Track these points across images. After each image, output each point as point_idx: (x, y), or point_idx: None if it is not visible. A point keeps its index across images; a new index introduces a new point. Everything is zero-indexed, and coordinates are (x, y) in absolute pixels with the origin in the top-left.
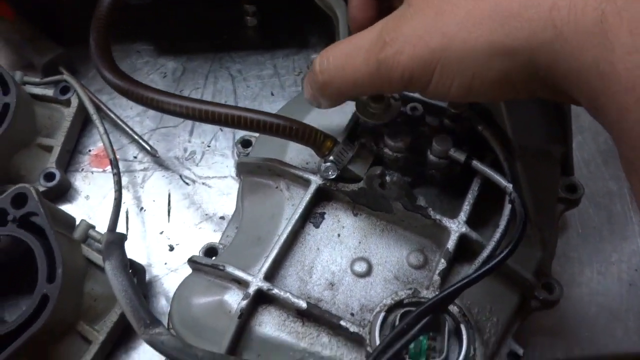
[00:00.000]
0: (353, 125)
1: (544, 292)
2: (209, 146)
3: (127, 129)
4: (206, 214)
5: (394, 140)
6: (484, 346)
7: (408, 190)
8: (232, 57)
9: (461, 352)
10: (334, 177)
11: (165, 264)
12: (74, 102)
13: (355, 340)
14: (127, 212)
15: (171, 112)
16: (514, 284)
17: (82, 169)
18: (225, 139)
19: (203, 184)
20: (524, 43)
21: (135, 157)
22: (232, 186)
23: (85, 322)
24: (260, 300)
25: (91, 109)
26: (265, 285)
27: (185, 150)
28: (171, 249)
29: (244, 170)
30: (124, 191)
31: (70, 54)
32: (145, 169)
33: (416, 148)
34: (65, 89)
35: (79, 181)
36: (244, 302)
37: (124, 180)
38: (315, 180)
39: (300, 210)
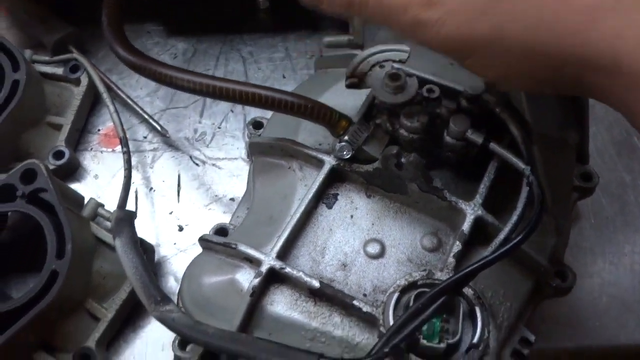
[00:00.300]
0: (368, 106)
1: (557, 279)
2: (219, 127)
3: (138, 109)
4: (216, 195)
5: (410, 121)
6: (497, 330)
7: (424, 171)
8: (243, 39)
9: (475, 335)
10: (348, 157)
11: (175, 244)
12: (84, 81)
13: (367, 320)
14: (136, 192)
15: (184, 88)
16: (527, 269)
17: (91, 148)
18: (236, 121)
19: (213, 165)
20: (580, 61)
21: (145, 137)
22: (242, 168)
23: (94, 300)
24: (272, 279)
25: (101, 88)
26: (277, 264)
27: (195, 131)
28: (180, 229)
29: (256, 150)
30: (133, 171)
31: (80, 33)
32: (155, 149)
33: (432, 129)
34: (75, 68)
35: (88, 160)
36: (256, 281)
37: (134, 160)
38: (329, 161)
39: (313, 191)
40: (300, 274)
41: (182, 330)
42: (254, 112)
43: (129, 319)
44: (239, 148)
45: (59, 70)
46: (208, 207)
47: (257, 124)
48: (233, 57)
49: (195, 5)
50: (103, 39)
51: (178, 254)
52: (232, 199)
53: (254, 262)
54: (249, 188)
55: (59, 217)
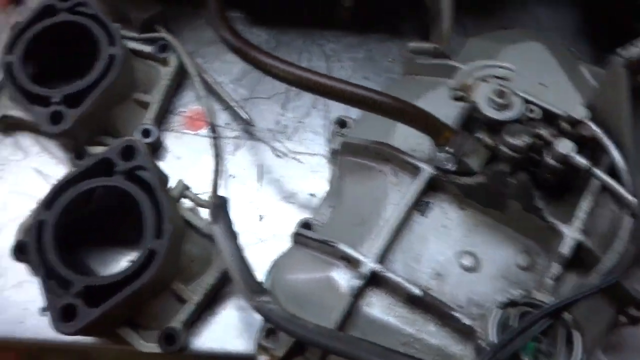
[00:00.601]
0: (466, 119)
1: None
2: (301, 122)
3: (225, 96)
4: (296, 189)
5: (513, 139)
6: (587, 355)
7: (530, 191)
8: (324, 36)
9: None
10: (452, 168)
11: (254, 233)
12: (172, 61)
13: (463, 332)
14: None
15: (284, 79)
16: (613, 297)
17: (174, 129)
18: (318, 117)
19: (294, 158)
20: None
21: (227, 124)
22: (323, 164)
23: (181, 282)
24: (371, 281)
25: (193, 71)
26: (379, 268)
27: (277, 122)
28: (260, 218)
29: (348, 150)
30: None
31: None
32: (237, 137)
33: (533, 149)
34: (163, 47)
35: (170, 141)
36: (359, 282)
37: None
38: (427, 169)
39: (410, 198)
40: (401, 279)
41: (279, 321)
42: (336, 110)
43: (209, 303)
44: (320, 144)
45: (147, 48)
46: (288, 200)
47: (342, 123)
48: (315, 52)
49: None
50: (186, 20)
51: (258, 243)
52: (312, 194)
53: (351, 263)
54: (333, 186)
55: (158, 197)
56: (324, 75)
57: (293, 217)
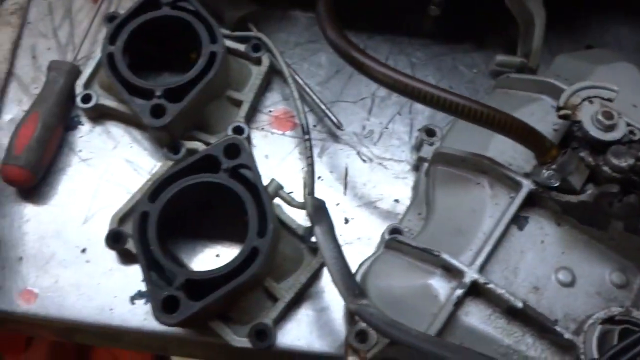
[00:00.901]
0: (565, 137)
1: None
2: (386, 127)
3: (315, 98)
4: (381, 194)
5: (618, 160)
6: None
7: (637, 213)
8: (411, 44)
9: None
10: (556, 185)
11: (340, 235)
12: (265, 61)
13: (561, 346)
14: (304, 179)
15: (383, 83)
16: None
17: (262, 128)
18: (402, 124)
19: (379, 164)
20: None
21: (314, 126)
22: (407, 171)
23: (273, 279)
24: (470, 291)
25: (286, 72)
26: (481, 278)
27: (363, 127)
28: (346, 221)
29: (441, 159)
30: (301, 158)
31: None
32: (323, 140)
33: (633, 171)
34: (256, 47)
35: (258, 139)
36: (460, 291)
37: (302, 147)
38: (527, 185)
39: (509, 212)
40: (504, 291)
41: (380, 326)
42: (421, 118)
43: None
44: (405, 151)
45: (240, 47)
46: (373, 205)
47: (430, 132)
48: (401, 60)
49: (367, 1)
50: (275, 21)
51: (343, 246)
52: (397, 201)
53: (452, 272)
54: (419, 194)
55: (262, 196)
56: (428, 83)
57: (378, 221)
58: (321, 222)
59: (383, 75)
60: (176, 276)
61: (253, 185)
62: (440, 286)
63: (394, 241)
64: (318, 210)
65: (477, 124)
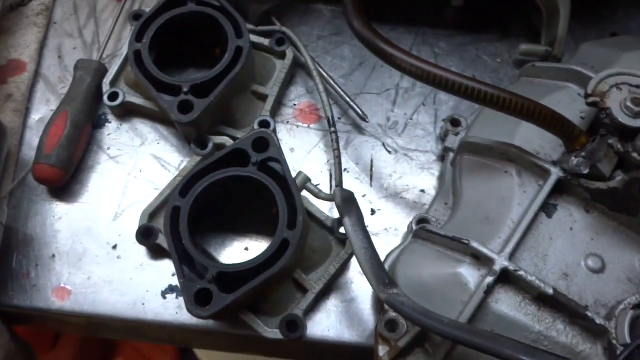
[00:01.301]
0: (592, 123)
1: None
2: (411, 118)
3: (339, 91)
4: (407, 185)
5: None
6: None
7: None
8: (435, 34)
9: None
10: (585, 172)
11: (367, 226)
12: (289, 55)
13: (592, 331)
14: (330, 171)
15: (409, 72)
16: None
17: (287, 122)
18: (427, 114)
19: (405, 154)
20: None
21: (338, 119)
22: (432, 161)
23: (302, 271)
24: (500, 278)
25: (311, 65)
26: (511, 266)
27: (387, 119)
28: (372, 212)
29: (468, 149)
30: (327, 150)
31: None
32: (348, 131)
33: None
34: (280, 41)
35: (283, 133)
36: (490, 279)
37: (327, 140)
38: (556, 172)
39: (538, 199)
40: (534, 278)
41: (411, 314)
42: (445, 108)
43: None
44: (430, 141)
45: (264, 41)
46: (399, 195)
47: (455, 121)
48: (425, 50)
49: None
50: (297, 14)
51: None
52: (423, 191)
53: (481, 260)
54: (445, 183)
55: (291, 189)
56: (456, 73)
57: (404, 212)
58: (350, 213)
59: (411, 65)
60: (208, 269)
61: (282, 178)
62: (470, 274)
63: (423, 230)
64: (346, 202)
65: (506, 113)
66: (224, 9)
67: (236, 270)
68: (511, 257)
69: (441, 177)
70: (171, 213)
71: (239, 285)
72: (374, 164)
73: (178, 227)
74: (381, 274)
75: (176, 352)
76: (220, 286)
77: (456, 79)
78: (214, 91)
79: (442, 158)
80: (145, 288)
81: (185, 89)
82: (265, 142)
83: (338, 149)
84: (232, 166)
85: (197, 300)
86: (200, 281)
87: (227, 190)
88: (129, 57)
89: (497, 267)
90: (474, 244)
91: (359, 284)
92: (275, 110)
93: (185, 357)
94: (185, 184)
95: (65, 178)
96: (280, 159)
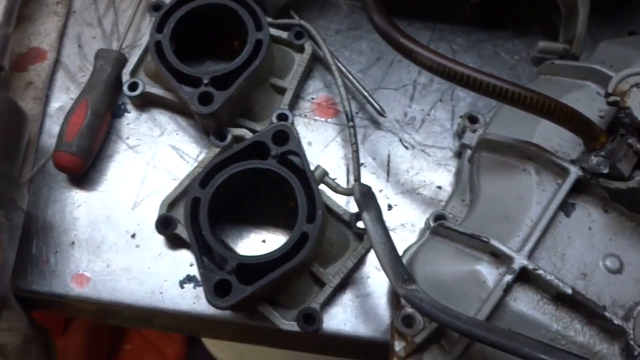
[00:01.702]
0: (611, 122)
1: None
2: (428, 114)
3: (358, 86)
4: (424, 181)
5: None
6: None
7: None
8: (452, 30)
9: None
10: (605, 172)
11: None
12: (308, 49)
13: (610, 332)
14: (347, 165)
15: (433, 69)
16: None
17: (305, 115)
18: (444, 110)
19: (422, 150)
20: None
21: (356, 113)
22: (449, 158)
23: (319, 265)
24: (519, 277)
25: (330, 60)
26: (530, 265)
27: (405, 114)
28: (389, 208)
29: (487, 146)
30: (344, 144)
31: None
32: (365, 126)
33: None
34: (299, 34)
35: (301, 126)
36: (509, 277)
37: (344, 134)
38: (575, 171)
39: (557, 198)
40: (553, 277)
41: (430, 310)
42: (463, 104)
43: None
44: (447, 138)
45: (283, 34)
46: (416, 191)
47: (473, 119)
48: (443, 47)
49: None
50: (315, 8)
51: None
52: (439, 187)
53: (500, 258)
54: (462, 180)
55: (310, 182)
56: (477, 70)
57: (420, 208)
58: (369, 208)
59: (432, 61)
60: (228, 261)
61: (301, 172)
62: (489, 272)
63: (441, 227)
64: (365, 197)
65: (527, 110)
66: (244, 1)
67: (256, 262)
68: (530, 256)
69: (458, 174)
70: (191, 204)
71: (258, 277)
72: (391, 160)
73: (198, 218)
74: (400, 270)
75: (184, 340)
76: (239, 277)
77: (477, 76)
78: (234, 84)
79: (459, 155)
80: (164, 277)
81: (205, 81)
82: (285, 136)
83: (356, 143)
84: (252, 159)
85: (217, 291)
86: (220, 272)
87: (247, 183)
88: (149, 48)
89: (516, 265)
90: (494, 242)
91: (375, 279)
92: (293, 104)
93: (193, 346)
94: (205, 176)
95: (86, 166)
96: (300, 153)
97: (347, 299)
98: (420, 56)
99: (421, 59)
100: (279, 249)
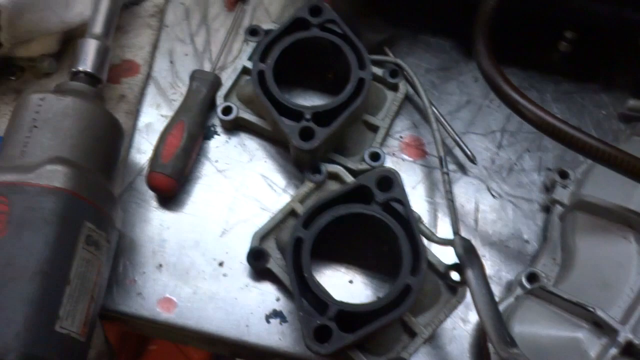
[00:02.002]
0: None
1: None
2: (516, 164)
3: (450, 130)
4: (511, 233)
5: None
6: None
7: None
8: (542, 79)
9: None
10: None
11: None
12: (402, 88)
13: None
14: (435, 211)
15: (536, 124)
16: None
17: (394, 154)
18: (531, 160)
19: (509, 201)
20: None
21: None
22: (535, 211)
23: (411, 314)
24: (624, 351)
25: (426, 102)
26: (636, 339)
27: (492, 161)
28: None
29: (584, 207)
30: (432, 188)
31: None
32: (453, 171)
33: None
34: (394, 73)
35: (388, 165)
36: (615, 350)
37: (432, 177)
38: None
39: None
40: None
41: None
42: (551, 155)
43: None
44: (534, 190)
45: (379, 71)
46: (504, 244)
47: (563, 174)
48: (531, 95)
49: (498, 31)
50: (406, 45)
51: None
52: (527, 241)
53: (602, 328)
54: (553, 238)
55: (414, 233)
56: (578, 129)
57: (507, 261)
58: (473, 265)
59: (536, 117)
60: (329, 306)
61: (404, 220)
62: (590, 341)
63: (541, 290)
64: (468, 252)
65: (629, 177)
66: (347, 37)
67: (357, 311)
68: (634, 329)
69: (545, 229)
70: (294, 244)
71: (355, 324)
72: (479, 208)
73: (300, 259)
74: (503, 332)
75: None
76: (338, 323)
77: (580, 137)
78: (335, 121)
79: (546, 209)
80: (250, 310)
81: (307, 116)
82: (389, 182)
83: (451, 191)
84: (353, 201)
85: (317, 336)
86: (320, 317)
87: (346, 225)
88: (252, 78)
89: (621, 339)
90: (600, 313)
91: (459, 331)
92: (383, 142)
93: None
94: (308, 216)
95: (178, 189)
96: (404, 202)
97: (430, 348)
98: (525, 110)
99: (526, 113)
100: (381, 299)
